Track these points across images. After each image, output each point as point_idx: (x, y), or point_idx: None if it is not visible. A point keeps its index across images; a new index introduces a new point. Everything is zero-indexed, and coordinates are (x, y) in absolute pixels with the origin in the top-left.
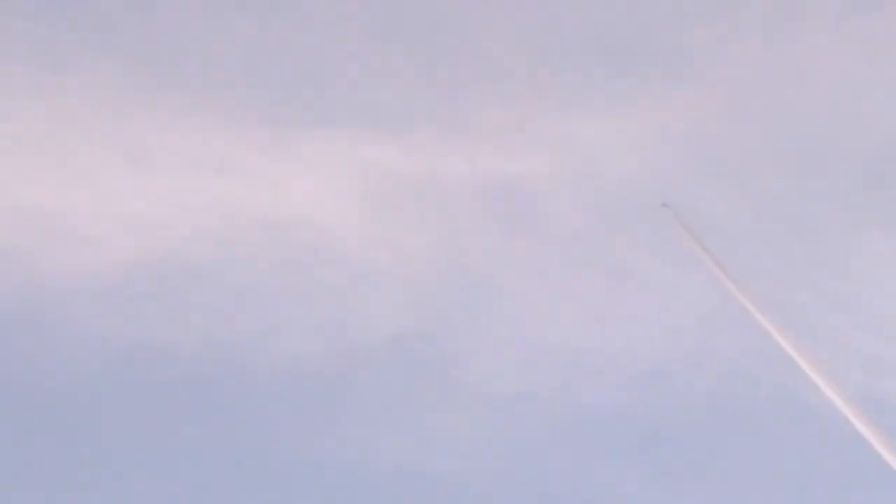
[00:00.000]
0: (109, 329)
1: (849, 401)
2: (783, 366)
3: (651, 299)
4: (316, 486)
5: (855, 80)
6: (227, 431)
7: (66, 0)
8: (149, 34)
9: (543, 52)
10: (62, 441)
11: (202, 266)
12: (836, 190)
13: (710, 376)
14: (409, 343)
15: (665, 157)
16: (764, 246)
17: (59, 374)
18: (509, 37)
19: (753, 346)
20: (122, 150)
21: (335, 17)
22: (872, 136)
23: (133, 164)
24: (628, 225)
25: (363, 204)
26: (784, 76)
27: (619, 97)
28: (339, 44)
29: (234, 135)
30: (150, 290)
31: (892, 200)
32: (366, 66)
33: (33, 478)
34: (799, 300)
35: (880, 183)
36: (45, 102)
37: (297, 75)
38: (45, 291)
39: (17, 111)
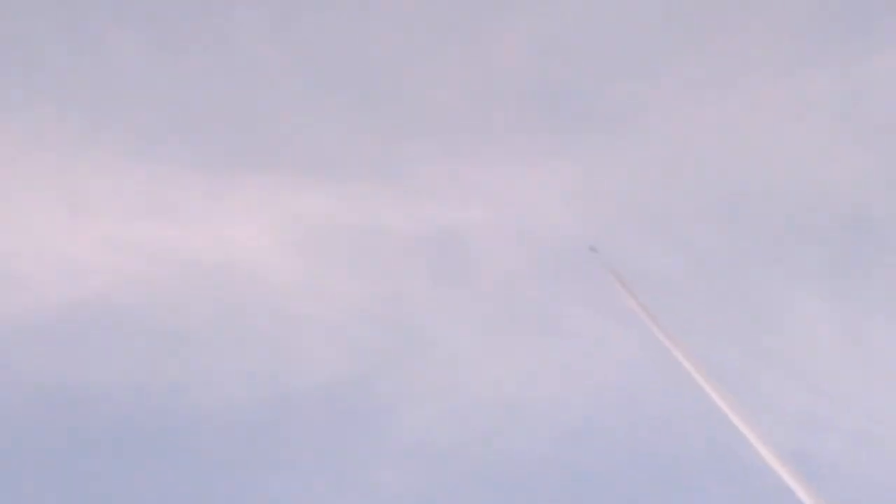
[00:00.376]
0: (39, 371)
1: (780, 457)
2: (714, 420)
3: (582, 351)
4: None
5: (789, 137)
6: (154, 478)
7: (3, 40)
8: (88, 76)
9: (481, 103)
10: None
11: (135, 310)
12: (768, 246)
13: (641, 430)
14: (341, 391)
15: (599, 209)
16: (696, 300)
17: None
18: (448, 87)
19: (685, 400)
20: (59, 192)
21: (275, 64)
22: (805, 194)
23: (70, 207)
24: (561, 277)
25: (299, 251)
26: (719, 132)
27: (555, 150)
28: (279, 90)
29: (172, 179)
30: (82, 333)
31: (822, 258)
32: (305, 113)
33: None
34: (730, 355)
35: (811, 240)
36: None
37: (237, 121)
38: None
39: None
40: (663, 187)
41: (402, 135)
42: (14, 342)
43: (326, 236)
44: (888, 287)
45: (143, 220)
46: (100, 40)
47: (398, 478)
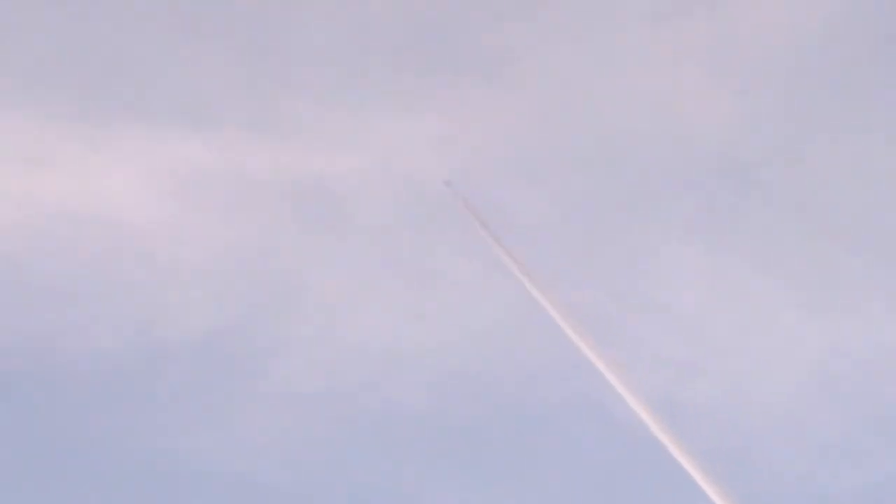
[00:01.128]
0: None
1: (648, 405)
2: (584, 369)
3: (456, 299)
4: (118, 484)
5: (661, 84)
6: (30, 427)
7: None
8: None
9: (354, 49)
10: None
11: (8, 259)
12: (638, 193)
13: (511, 379)
14: (215, 340)
15: (470, 156)
16: (567, 247)
17: None
18: (320, 33)
19: (555, 349)
20: None
21: (146, 10)
22: (676, 140)
23: None
24: (433, 225)
25: (171, 199)
26: (590, 79)
27: (428, 96)
28: (149, 36)
29: (44, 128)
30: None
31: (692, 204)
32: (178, 61)
33: None
34: (599, 302)
35: (681, 186)
36: None
37: (109, 69)
38: None
39: None
40: (535, 133)
41: (274, 83)
42: None
43: (199, 185)
44: (756, 233)
45: (15, 169)
46: None
47: (271, 426)
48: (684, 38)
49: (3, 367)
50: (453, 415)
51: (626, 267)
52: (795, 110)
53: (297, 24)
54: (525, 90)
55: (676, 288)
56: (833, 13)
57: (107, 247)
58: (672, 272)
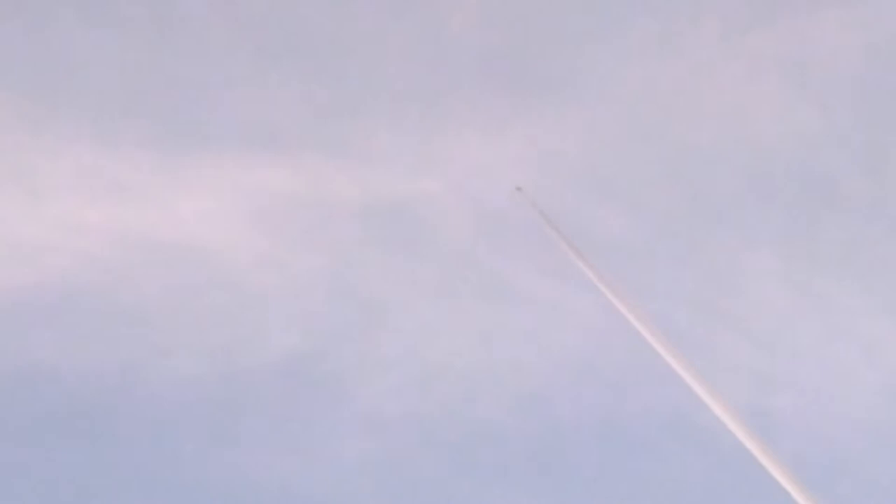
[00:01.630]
0: None
1: (738, 418)
2: (670, 383)
3: (538, 317)
4: None
5: (738, 97)
6: (117, 457)
7: None
8: (33, 57)
9: (434, 72)
10: None
11: (91, 290)
12: (718, 206)
13: (598, 395)
14: (299, 365)
15: (555, 177)
16: (646, 261)
17: None
18: (399, 56)
19: (638, 362)
20: (9, 175)
21: (220, 38)
22: (758, 153)
23: (21, 190)
24: (515, 244)
25: (252, 226)
26: (670, 92)
27: (510, 117)
28: (226, 64)
29: (122, 157)
30: (40, 316)
31: (772, 219)
32: (253, 86)
33: None
34: (685, 317)
35: (761, 201)
36: None
37: (185, 97)
38: None
39: None
40: (613, 150)
41: (351, 106)
42: None
43: (279, 211)
44: (837, 244)
45: (94, 200)
46: (45, 22)
47: (358, 449)
48: (761, 50)
49: (88, 396)
50: (537, 434)
51: (708, 279)
52: (876, 121)
53: (374, 46)
54: (602, 108)
55: (759, 300)
56: None
57: (189, 274)
58: (754, 284)
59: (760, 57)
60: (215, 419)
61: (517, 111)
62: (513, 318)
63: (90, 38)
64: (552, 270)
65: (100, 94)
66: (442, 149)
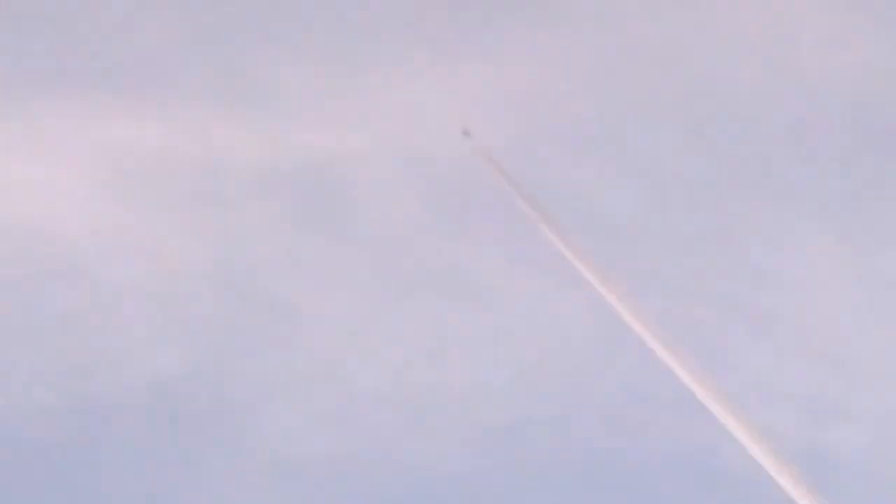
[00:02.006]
0: None
1: (780, 458)
2: (689, 412)
3: (505, 320)
4: None
5: (773, 23)
6: None
7: None
8: None
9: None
10: None
11: None
12: (747, 168)
13: (590, 429)
14: (175, 390)
15: (523, 126)
16: (654, 244)
17: None
18: None
19: (644, 381)
20: None
21: None
22: (798, 99)
23: None
24: (475, 222)
25: (113, 200)
26: (680, 16)
27: (459, 48)
28: None
29: None
30: None
31: (821, 184)
32: (125, 19)
33: None
34: (703, 317)
35: (805, 159)
36: None
37: (33, 29)
38: None
39: None
40: (604, 92)
41: (250, 42)
42: None
43: (147, 179)
44: None
45: None
46: None
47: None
48: None
49: None
50: (512, 475)
51: (738, 269)
52: None
53: None
54: (590, 33)
55: (807, 296)
56: None
57: (24, 267)
58: (800, 274)
59: None
60: (61, 463)
61: (468, 42)
62: (473, 323)
63: None
64: (527, 256)
65: None
66: (370, 92)
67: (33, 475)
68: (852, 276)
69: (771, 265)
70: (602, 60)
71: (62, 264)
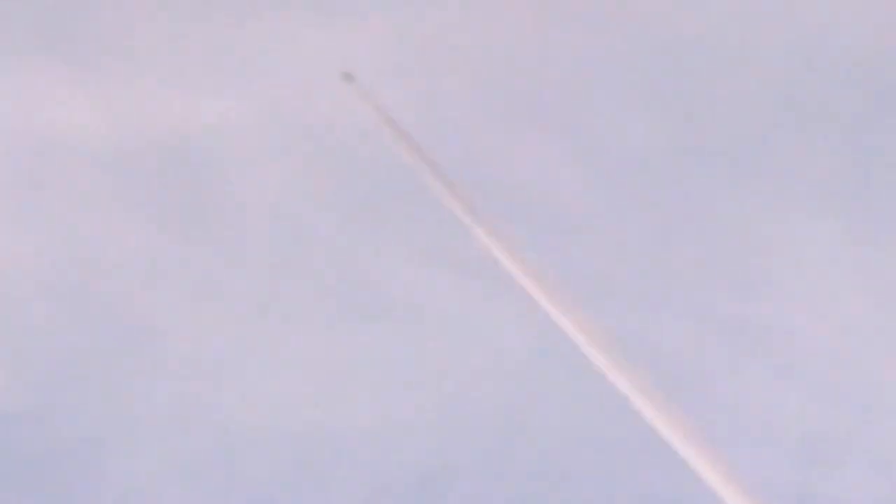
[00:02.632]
0: None
1: None
2: (652, 450)
3: (424, 345)
4: None
5: None
6: None
7: None
8: None
9: None
10: None
11: None
12: (737, 139)
13: (527, 469)
14: (12, 432)
15: (434, 81)
16: (612, 237)
17: None
18: None
19: (602, 416)
20: None
21: None
22: (799, 51)
23: None
24: (381, 213)
25: None
26: None
27: None
28: None
29: None
30: None
31: (827, 160)
32: None
33: None
34: (679, 332)
35: (808, 128)
36: None
37: None
38: None
39: None
40: (543, 41)
41: None
42: None
43: None
44: None
45: None
46: None
47: None
48: None
49: None
50: None
51: (718, 273)
52: None
53: None
54: None
55: (804, 307)
56: None
57: None
58: (796, 280)
59: None
60: None
61: None
62: (380, 344)
63: None
64: (448, 257)
65: None
66: (241, 49)
67: None
68: (861, 283)
69: (760, 268)
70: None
71: None
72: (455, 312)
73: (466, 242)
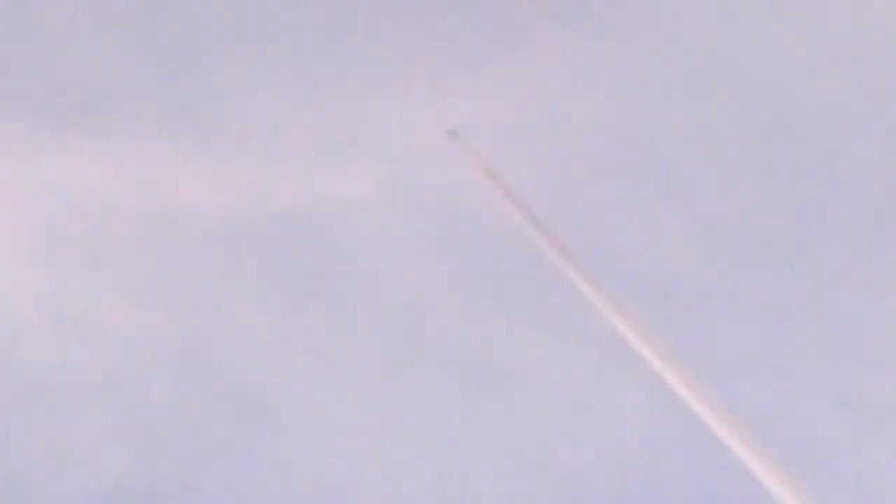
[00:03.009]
0: None
1: None
2: None
3: (545, 420)
4: None
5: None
6: None
7: None
8: None
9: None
10: None
11: None
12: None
13: None
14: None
15: (553, 162)
16: (735, 314)
17: None
18: None
19: (728, 495)
20: None
21: None
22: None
23: None
24: (501, 284)
25: (36, 257)
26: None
27: (483, 58)
28: None
29: None
30: None
31: None
32: (51, 35)
33: None
34: (811, 413)
35: None
36: None
37: None
38: None
39: None
40: (662, 113)
41: (202, 61)
42: None
43: (86, 229)
44: None
45: None
46: None
47: None
48: None
49: None
50: None
51: (847, 345)
52: None
53: None
54: (637, 41)
55: None
56: None
57: None
58: None
59: None
60: None
61: (490, 55)
62: (499, 417)
63: None
64: (567, 328)
65: None
66: (369, 126)
67: None
68: None
69: (885, 342)
70: (652, 76)
71: None
72: (575, 386)
73: (585, 316)
